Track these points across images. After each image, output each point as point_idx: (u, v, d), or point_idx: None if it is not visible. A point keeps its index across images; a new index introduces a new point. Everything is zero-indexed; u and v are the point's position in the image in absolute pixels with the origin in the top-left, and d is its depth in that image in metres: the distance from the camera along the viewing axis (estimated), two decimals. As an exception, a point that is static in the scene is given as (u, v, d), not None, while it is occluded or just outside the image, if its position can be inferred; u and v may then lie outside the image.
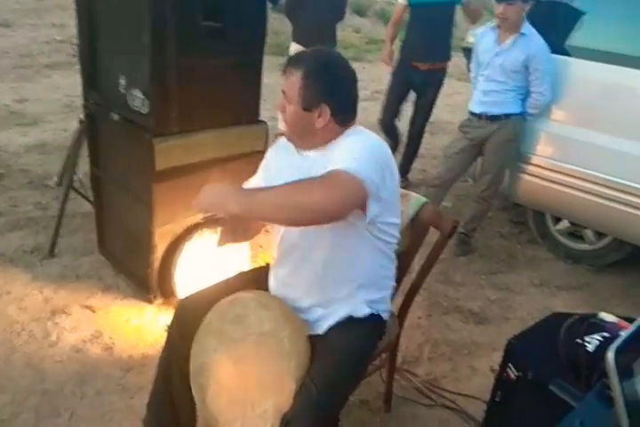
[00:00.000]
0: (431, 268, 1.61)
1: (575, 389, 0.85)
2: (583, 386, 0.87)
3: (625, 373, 0.55)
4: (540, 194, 2.92)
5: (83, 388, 1.87)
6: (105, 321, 2.20)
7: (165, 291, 2.24)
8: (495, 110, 2.72)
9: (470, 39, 7.20)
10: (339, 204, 1.16)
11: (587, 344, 1.06)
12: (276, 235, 1.47)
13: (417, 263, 1.69)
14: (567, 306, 2.63)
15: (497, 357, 2.21)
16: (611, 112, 2.62)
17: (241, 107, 2.06)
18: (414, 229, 1.59)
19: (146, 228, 2.07)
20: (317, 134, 1.36)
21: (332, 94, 1.31)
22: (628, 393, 0.55)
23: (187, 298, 1.54)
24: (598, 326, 0.89)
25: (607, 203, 2.65)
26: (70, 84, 5.36)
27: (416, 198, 1.59)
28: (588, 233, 2.97)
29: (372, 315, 1.45)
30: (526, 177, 2.90)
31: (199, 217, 2.13)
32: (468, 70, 3.09)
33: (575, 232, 3.04)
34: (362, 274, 1.42)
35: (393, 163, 1.35)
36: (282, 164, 1.47)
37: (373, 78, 6.28)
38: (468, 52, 3.40)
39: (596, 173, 2.66)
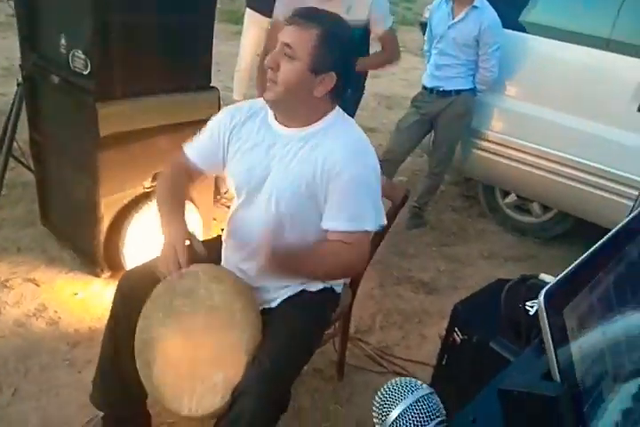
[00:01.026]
0: (383, 237, 1.62)
1: (515, 346, 0.88)
2: (523, 345, 0.90)
3: (555, 318, 0.57)
4: (490, 168, 2.98)
5: (27, 363, 1.81)
6: (49, 295, 2.12)
7: (113, 264, 2.17)
8: (447, 86, 2.73)
9: (427, 14, 7.19)
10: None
11: (528, 308, 1.10)
12: (231, 216, 1.46)
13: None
14: (513, 276, 2.72)
15: (446, 324, 2.31)
16: (560, 89, 2.69)
17: (191, 72, 1.98)
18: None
19: (91, 198, 1.98)
20: (307, 104, 1.27)
21: (344, 65, 1.24)
22: (556, 337, 0.56)
23: (132, 270, 1.49)
24: (538, 287, 0.92)
25: (552, 177, 2.74)
26: (9, 45, 5.01)
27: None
28: (535, 206, 3.07)
29: (325, 288, 1.46)
30: (477, 152, 2.95)
31: (146, 185, 2.07)
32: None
33: (522, 206, 3.14)
34: None
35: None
36: (252, 137, 1.36)
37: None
38: (425, 27, 3.36)
39: (543, 148, 2.73)
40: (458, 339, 1.14)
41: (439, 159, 2.89)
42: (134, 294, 1.39)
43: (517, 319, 1.00)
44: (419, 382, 0.60)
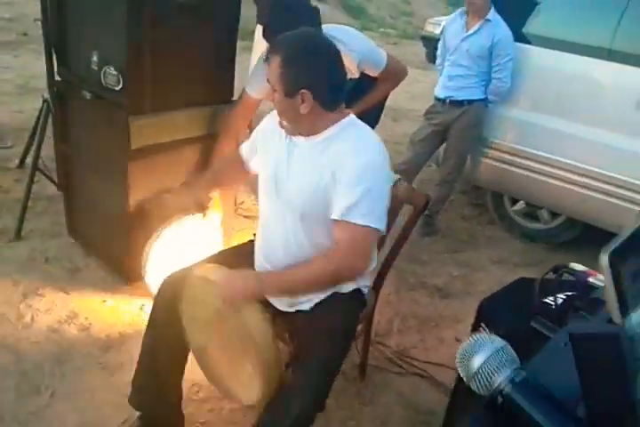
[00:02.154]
0: (405, 241, 1.70)
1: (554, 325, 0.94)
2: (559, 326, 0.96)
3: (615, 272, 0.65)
4: (500, 176, 3.07)
5: (62, 367, 1.88)
6: (79, 302, 2.19)
7: (139, 273, 2.24)
8: (459, 96, 2.83)
9: (429, 28, 7.34)
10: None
11: (552, 302, 1.17)
12: (262, 218, 1.54)
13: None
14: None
15: (461, 328, 2.37)
16: (567, 99, 2.78)
17: (215, 86, 2.08)
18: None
19: (121, 208, 2.06)
20: (305, 120, 1.35)
21: (310, 80, 1.29)
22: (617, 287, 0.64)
23: (171, 276, 1.56)
24: (570, 275, 0.99)
25: (561, 184, 2.83)
26: (22, 64, 5.17)
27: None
28: (543, 213, 3.14)
29: (354, 290, 1.51)
30: (487, 161, 3.04)
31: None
32: (428, 59, 3.18)
33: (531, 213, 3.21)
34: None
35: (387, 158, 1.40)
36: (273, 145, 1.48)
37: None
38: (426, 40, 3.49)
39: (551, 156, 2.82)
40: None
41: (451, 168, 2.97)
42: (172, 300, 1.47)
43: (545, 314, 1.07)
44: (496, 337, 0.67)
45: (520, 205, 3.21)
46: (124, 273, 2.24)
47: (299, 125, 1.39)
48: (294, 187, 1.40)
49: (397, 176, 1.67)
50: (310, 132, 1.39)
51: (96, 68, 1.87)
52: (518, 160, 2.94)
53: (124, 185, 1.99)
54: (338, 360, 1.38)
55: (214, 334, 1.42)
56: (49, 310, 2.13)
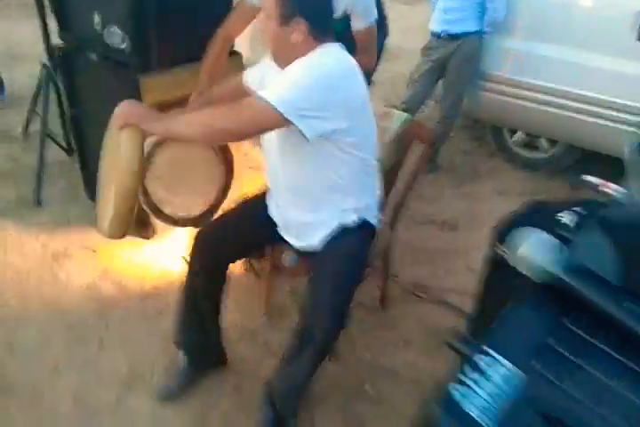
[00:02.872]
0: (417, 175, 1.78)
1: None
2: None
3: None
4: (498, 108, 3.10)
5: (105, 319, 2.01)
6: (108, 259, 2.31)
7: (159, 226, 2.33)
8: (454, 29, 2.82)
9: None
10: (241, 127, 1.33)
11: (561, 218, 1.26)
12: (264, 162, 1.62)
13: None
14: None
15: (471, 258, 2.50)
16: (559, 24, 2.78)
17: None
18: (399, 143, 1.73)
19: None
20: (296, 49, 1.38)
21: (306, 8, 1.34)
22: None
23: (203, 230, 1.65)
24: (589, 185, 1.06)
25: (558, 111, 2.88)
26: (5, 32, 5.04)
27: (398, 115, 1.73)
28: (542, 142, 3.21)
29: (360, 222, 1.57)
30: (485, 93, 3.07)
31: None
32: None
33: (530, 142, 3.27)
34: (340, 183, 1.50)
35: (347, 82, 1.38)
36: (268, 79, 1.53)
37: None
38: None
39: (547, 84, 2.85)
40: (501, 253, 1.30)
41: (451, 103, 3.01)
42: (208, 252, 1.59)
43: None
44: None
45: (519, 135, 3.27)
46: (144, 228, 2.32)
47: (289, 55, 1.39)
48: None
49: (406, 115, 1.73)
50: (289, 62, 1.39)
51: (99, 28, 1.88)
52: (514, 90, 2.97)
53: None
54: (351, 278, 1.47)
55: (104, 158, 1.52)
56: (81, 269, 2.24)
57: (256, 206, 1.71)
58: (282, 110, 1.27)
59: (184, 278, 1.66)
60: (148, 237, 2.34)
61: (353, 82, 1.40)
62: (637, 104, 2.65)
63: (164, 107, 2.00)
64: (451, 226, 2.76)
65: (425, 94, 3.03)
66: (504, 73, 2.97)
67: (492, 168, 3.34)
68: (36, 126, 2.89)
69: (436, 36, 2.90)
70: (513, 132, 3.29)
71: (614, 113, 2.73)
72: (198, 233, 1.64)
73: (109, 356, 1.87)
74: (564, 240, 0.90)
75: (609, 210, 0.84)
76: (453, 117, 3.10)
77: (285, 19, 1.35)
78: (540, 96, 2.90)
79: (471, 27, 2.81)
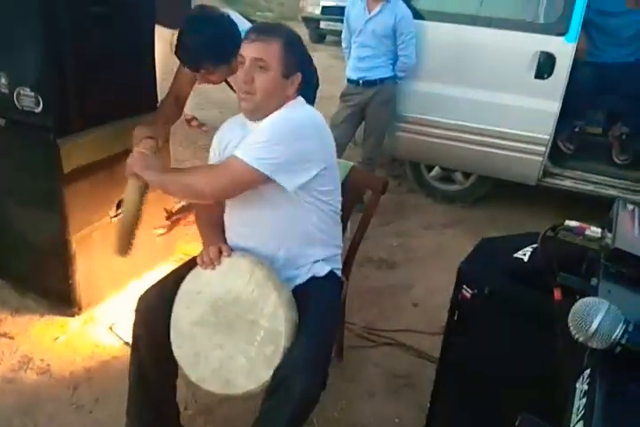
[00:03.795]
0: (369, 223, 1.78)
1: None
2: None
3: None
4: (414, 147, 3.26)
5: (33, 416, 1.73)
6: (29, 345, 2.02)
7: (87, 300, 2.13)
8: (371, 75, 2.96)
9: (309, 9, 7.36)
10: (220, 189, 1.41)
11: (521, 257, 1.31)
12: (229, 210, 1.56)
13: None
14: (455, 239, 3.03)
15: (414, 293, 2.55)
16: (462, 67, 2.99)
17: (139, 95, 1.99)
18: (347, 192, 1.72)
19: (60, 236, 1.92)
20: (282, 101, 1.44)
21: (305, 65, 1.48)
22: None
23: (147, 291, 1.52)
24: (567, 231, 1.10)
25: (468, 146, 3.09)
26: None
27: (344, 163, 1.73)
28: (457, 175, 3.40)
29: (330, 272, 1.56)
30: (402, 134, 3.22)
31: (111, 214, 2.05)
32: (311, 39, 3.24)
33: (446, 177, 3.46)
34: (308, 234, 1.51)
35: (318, 134, 1.46)
36: (237, 139, 1.50)
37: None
38: (307, 21, 3.49)
39: (456, 122, 3.05)
40: (468, 294, 1.32)
41: (372, 145, 3.12)
42: (154, 315, 1.45)
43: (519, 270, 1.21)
44: (601, 299, 0.76)
45: (436, 170, 3.44)
46: (70, 305, 2.10)
47: (271, 107, 1.43)
48: None
49: (351, 163, 1.73)
50: (268, 114, 1.43)
51: (7, 91, 1.72)
52: (429, 129, 3.14)
53: (62, 211, 1.86)
54: (329, 338, 1.44)
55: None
56: (-2, 359, 1.96)
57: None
58: (259, 167, 1.33)
59: (122, 354, 1.49)
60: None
61: (324, 130, 1.50)
62: (539, 135, 2.90)
63: (90, 170, 1.87)
64: (388, 264, 2.80)
65: (347, 139, 3.12)
66: (418, 114, 3.13)
67: (415, 204, 3.47)
68: None
69: (354, 83, 3.01)
70: (430, 168, 3.45)
71: (520, 144, 2.97)
72: (140, 298, 1.51)
73: (47, 459, 1.62)
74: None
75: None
76: (376, 157, 3.20)
77: (289, 72, 1.42)
78: (451, 133, 3.09)
79: (386, 73, 2.96)
